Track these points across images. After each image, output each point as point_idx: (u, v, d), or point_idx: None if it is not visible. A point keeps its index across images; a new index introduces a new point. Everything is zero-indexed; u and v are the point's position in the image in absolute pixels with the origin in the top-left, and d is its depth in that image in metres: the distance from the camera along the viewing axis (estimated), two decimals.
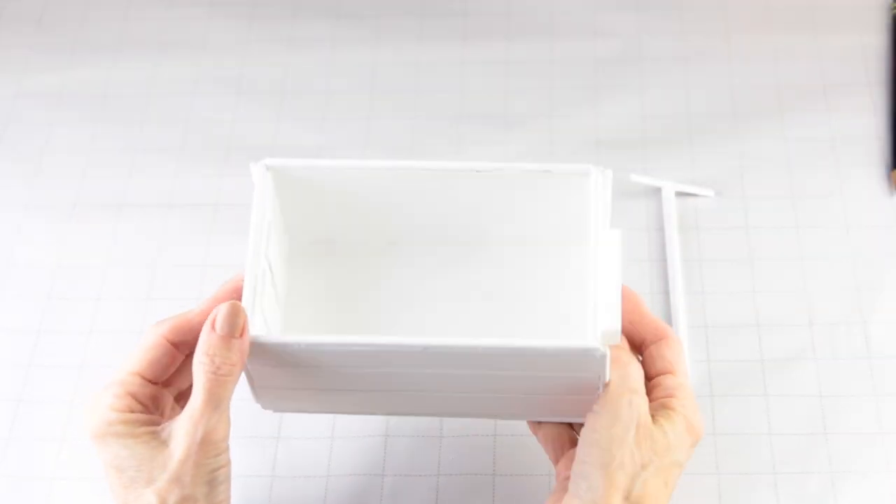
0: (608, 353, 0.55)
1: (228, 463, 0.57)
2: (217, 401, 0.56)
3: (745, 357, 0.72)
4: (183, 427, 0.56)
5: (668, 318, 0.73)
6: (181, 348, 0.60)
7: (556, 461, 0.62)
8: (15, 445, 0.70)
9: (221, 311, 0.57)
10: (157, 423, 0.58)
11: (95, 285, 0.77)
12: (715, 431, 0.68)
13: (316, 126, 0.85)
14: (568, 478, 0.58)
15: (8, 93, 0.89)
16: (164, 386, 0.60)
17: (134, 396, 0.58)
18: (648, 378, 0.60)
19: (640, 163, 0.81)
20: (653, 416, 0.57)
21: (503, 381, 0.58)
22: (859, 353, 0.71)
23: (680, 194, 0.79)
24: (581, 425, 0.59)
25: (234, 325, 0.57)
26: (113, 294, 0.77)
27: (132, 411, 0.57)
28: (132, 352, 0.60)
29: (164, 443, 0.56)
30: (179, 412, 0.58)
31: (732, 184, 0.80)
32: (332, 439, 0.69)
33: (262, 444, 0.69)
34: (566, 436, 0.62)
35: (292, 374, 0.58)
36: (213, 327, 0.57)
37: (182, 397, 0.61)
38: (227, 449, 0.57)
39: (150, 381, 0.59)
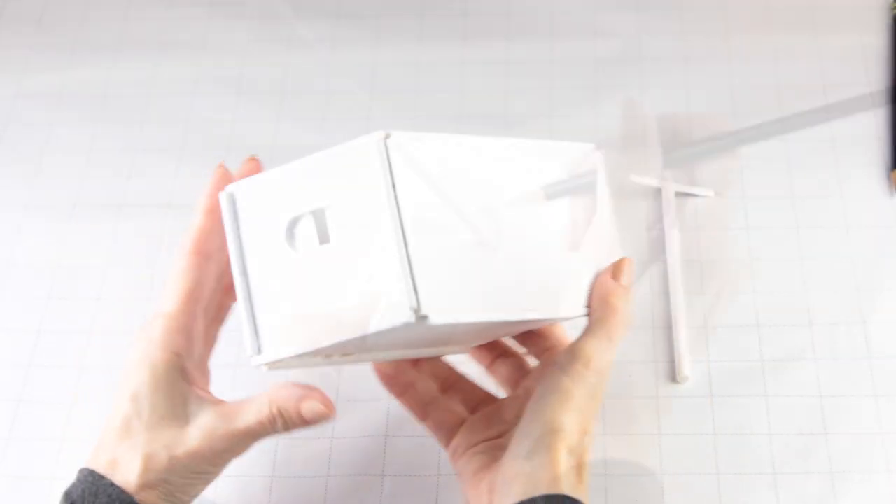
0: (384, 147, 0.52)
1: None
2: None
3: (745, 357, 0.71)
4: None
5: (668, 318, 0.73)
6: (208, 257, 0.60)
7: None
8: (15, 445, 0.70)
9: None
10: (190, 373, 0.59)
11: (95, 285, 0.77)
12: (715, 431, 0.68)
13: (316, 126, 0.85)
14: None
15: (8, 93, 0.89)
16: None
17: (177, 333, 0.59)
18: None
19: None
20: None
21: None
22: (859, 353, 0.71)
23: (680, 194, 0.79)
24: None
25: None
26: (113, 294, 0.77)
27: (177, 354, 0.58)
28: (170, 285, 0.60)
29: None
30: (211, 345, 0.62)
31: (732, 184, 0.80)
32: (332, 439, 0.69)
33: (262, 444, 0.69)
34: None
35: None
36: None
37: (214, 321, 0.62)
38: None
39: (188, 309, 0.60)
